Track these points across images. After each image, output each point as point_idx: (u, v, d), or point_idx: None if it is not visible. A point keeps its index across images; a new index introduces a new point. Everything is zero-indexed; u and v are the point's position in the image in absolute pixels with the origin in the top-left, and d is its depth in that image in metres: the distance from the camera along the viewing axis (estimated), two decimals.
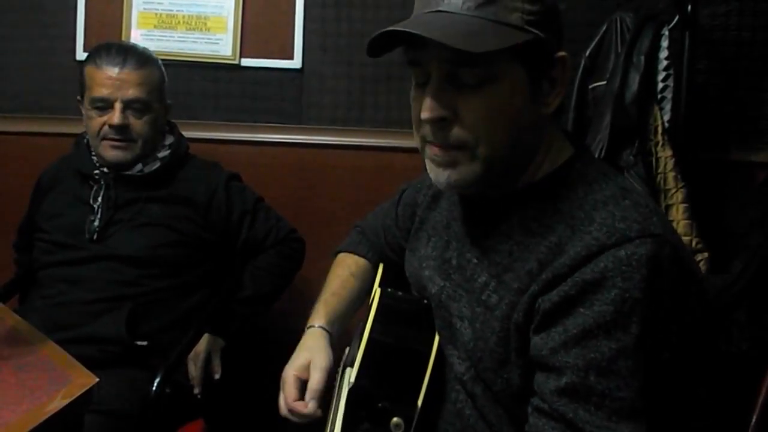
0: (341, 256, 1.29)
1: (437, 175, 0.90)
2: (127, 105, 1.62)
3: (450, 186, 0.90)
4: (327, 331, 1.13)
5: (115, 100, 1.61)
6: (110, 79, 1.62)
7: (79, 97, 1.70)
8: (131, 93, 1.62)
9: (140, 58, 1.65)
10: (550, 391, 0.81)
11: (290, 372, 1.06)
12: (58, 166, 1.79)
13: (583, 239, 0.82)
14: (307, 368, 1.06)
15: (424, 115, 0.86)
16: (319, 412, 1.02)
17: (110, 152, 1.64)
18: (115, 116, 1.61)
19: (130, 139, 1.64)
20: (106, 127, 1.63)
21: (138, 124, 1.64)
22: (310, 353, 1.08)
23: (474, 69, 0.83)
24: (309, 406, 1.02)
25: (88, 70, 1.65)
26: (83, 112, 1.68)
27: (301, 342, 1.12)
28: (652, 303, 0.78)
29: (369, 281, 1.23)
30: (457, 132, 0.86)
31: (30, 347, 1.27)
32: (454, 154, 0.87)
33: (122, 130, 1.62)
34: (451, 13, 0.84)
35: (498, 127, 0.85)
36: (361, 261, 1.26)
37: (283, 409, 1.05)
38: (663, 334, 0.79)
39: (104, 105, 1.62)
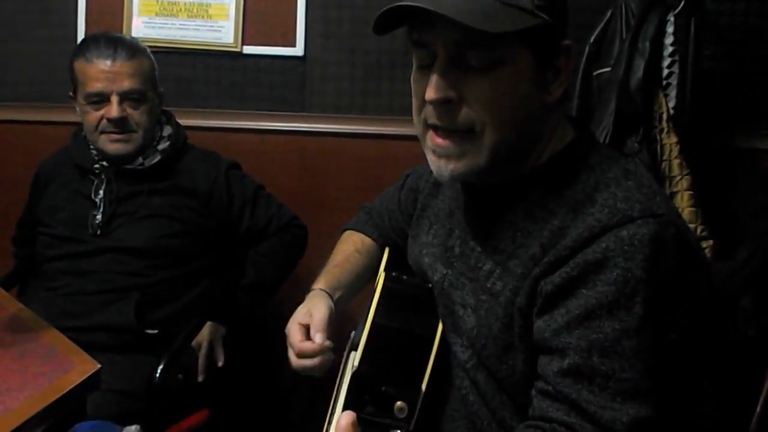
0: (347, 233, 1.28)
1: (439, 167, 0.87)
2: (124, 97, 1.60)
3: (453, 178, 0.88)
4: (327, 294, 1.12)
5: (111, 93, 1.59)
6: (103, 72, 1.59)
7: (71, 93, 1.67)
8: (126, 84, 1.60)
9: (130, 48, 1.62)
10: (554, 373, 0.80)
11: (291, 323, 1.06)
12: (57, 158, 1.77)
13: (585, 221, 0.81)
14: (307, 315, 1.05)
15: (429, 95, 0.84)
16: (328, 343, 1.00)
17: (111, 146, 1.62)
18: (113, 109, 1.59)
19: (130, 130, 1.62)
20: (104, 121, 1.60)
21: (136, 115, 1.62)
22: (310, 305, 1.08)
23: (482, 51, 0.81)
24: (316, 339, 1.00)
25: (79, 65, 1.62)
26: (77, 107, 1.66)
27: (302, 303, 1.11)
28: (655, 283, 0.77)
29: (374, 260, 1.23)
30: (464, 115, 0.84)
31: (32, 334, 1.27)
32: (460, 144, 0.85)
33: (121, 123, 1.60)
34: None
35: (504, 112, 0.84)
36: (367, 240, 1.25)
37: (292, 358, 1.03)
38: (668, 314, 0.78)
39: (100, 99, 1.60)
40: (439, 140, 0.86)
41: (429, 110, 0.86)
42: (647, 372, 0.77)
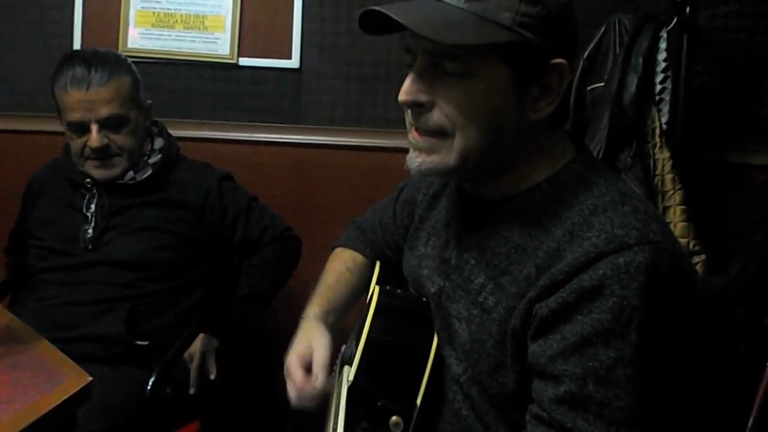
0: (338, 250, 1.28)
1: (411, 159, 0.90)
2: (103, 124, 1.57)
3: (420, 172, 0.90)
4: (322, 320, 1.12)
5: (90, 122, 1.56)
6: (79, 102, 1.55)
7: (56, 114, 1.65)
8: (104, 112, 1.56)
9: (104, 71, 1.56)
10: (549, 400, 0.80)
11: (292, 357, 1.05)
12: (49, 170, 1.76)
13: (581, 245, 0.81)
14: (308, 349, 1.05)
15: (401, 97, 0.87)
16: (328, 384, 1.00)
17: (96, 171, 1.61)
18: (94, 140, 1.56)
19: (115, 155, 1.60)
20: (87, 149, 1.59)
21: (118, 139, 1.60)
22: (309, 337, 1.08)
23: (455, 63, 0.83)
24: (318, 380, 1.01)
25: (57, 92, 1.59)
26: (64, 130, 1.64)
27: (298, 331, 1.11)
28: (650, 311, 0.77)
29: (365, 278, 1.23)
30: (436, 118, 0.86)
31: (23, 346, 1.27)
32: (432, 141, 0.87)
33: (103, 151, 1.59)
34: (440, 1, 0.84)
35: (473, 121, 0.85)
36: (359, 257, 1.25)
37: (292, 395, 1.03)
38: (663, 341, 0.79)
39: (80, 127, 1.58)
40: (416, 135, 0.89)
41: (408, 111, 0.89)
42: (641, 400, 0.77)
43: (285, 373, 1.06)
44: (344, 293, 1.19)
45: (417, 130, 0.89)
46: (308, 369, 1.04)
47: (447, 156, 0.87)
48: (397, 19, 0.81)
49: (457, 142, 0.86)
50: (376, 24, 0.86)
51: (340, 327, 1.18)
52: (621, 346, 0.77)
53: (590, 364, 0.78)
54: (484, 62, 0.83)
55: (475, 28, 0.82)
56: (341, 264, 1.24)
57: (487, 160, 0.88)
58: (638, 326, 0.77)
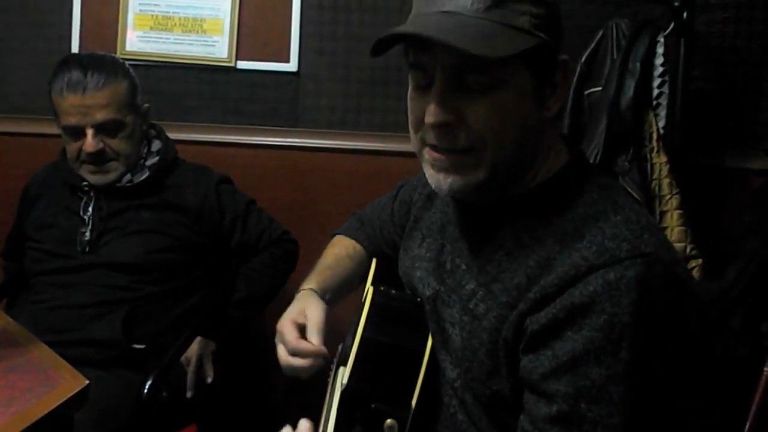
0: (338, 237, 1.27)
1: (438, 180, 0.87)
2: (99, 129, 1.57)
3: (452, 192, 0.87)
4: (317, 294, 1.10)
5: (85, 127, 1.56)
6: (74, 106, 1.54)
7: (54, 117, 1.65)
8: (99, 117, 1.55)
9: (101, 75, 1.56)
10: (542, 418, 0.80)
11: (286, 319, 1.03)
12: (46, 173, 1.76)
13: (571, 256, 0.80)
14: (302, 314, 1.03)
15: (429, 120, 0.83)
16: (324, 349, 0.99)
17: (92, 177, 1.61)
18: (89, 144, 1.56)
19: (111, 159, 1.60)
20: (83, 153, 1.59)
21: (114, 143, 1.59)
22: (302, 304, 1.06)
23: (482, 75, 0.81)
24: (312, 340, 0.99)
25: (53, 96, 1.58)
26: (61, 134, 1.64)
27: (293, 302, 1.09)
28: (642, 326, 0.77)
29: (364, 267, 1.21)
30: (464, 137, 0.84)
31: (20, 349, 1.26)
32: (459, 159, 0.85)
33: (99, 156, 1.58)
34: (458, 14, 0.81)
35: (505, 132, 0.83)
36: (358, 246, 1.24)
37: (283, 358, 1.00)
38: (655, 355, 0.78)
39: (76, 132, 1.58)
40: (437, 155, 0.86)
41: (428, 131, 0.86)
42: (634, 415, 0.77)
43: (277, 334, 1.03)
44: (342, 276, 1.18)
45: (440, 151, 0.86)
46: (302, 333, 1.01)
47: (477, 171, 0.85)
48: (438, 38, 0.77)
49: (488, 156, 0.84)
50: (386, 43, 0.83)
51: (337, 328, 1.18)
52: (612, 364, 0.77)
53: (582, 383, 0.77)
54: (510, 70, 0.81)
55: (505, 37, 0.80)
56: (341, 249, 1.23)
57: (514, 167, 0.87)
58: (630, 343, 0.76)
